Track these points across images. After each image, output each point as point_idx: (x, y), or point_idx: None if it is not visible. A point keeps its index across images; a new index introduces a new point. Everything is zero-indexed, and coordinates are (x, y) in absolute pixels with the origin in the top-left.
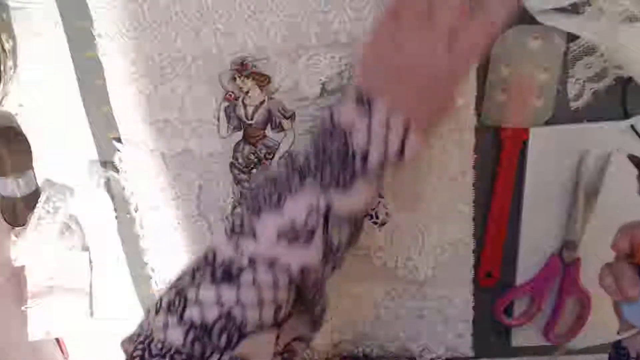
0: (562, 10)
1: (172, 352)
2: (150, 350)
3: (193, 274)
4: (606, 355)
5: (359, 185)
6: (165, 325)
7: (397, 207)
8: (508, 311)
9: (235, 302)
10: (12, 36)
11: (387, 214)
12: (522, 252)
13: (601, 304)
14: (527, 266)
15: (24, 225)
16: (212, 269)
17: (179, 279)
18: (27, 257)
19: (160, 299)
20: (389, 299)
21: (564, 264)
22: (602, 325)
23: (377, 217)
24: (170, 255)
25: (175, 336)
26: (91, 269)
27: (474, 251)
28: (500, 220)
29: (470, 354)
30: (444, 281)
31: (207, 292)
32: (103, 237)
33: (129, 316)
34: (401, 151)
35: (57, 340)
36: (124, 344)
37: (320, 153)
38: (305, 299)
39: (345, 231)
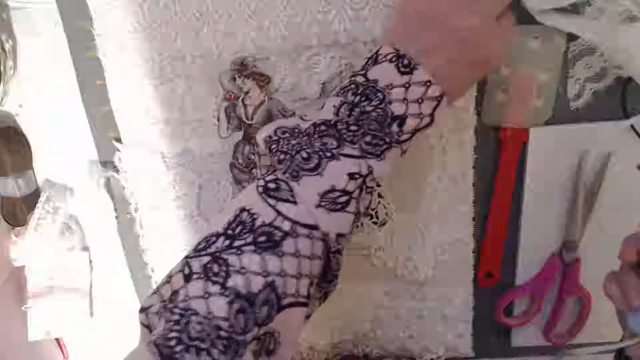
0: (562, 10)
1: (212, 336)
2: (188, 333)
3: (228, 237)
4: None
5: (392, 152)
6: (206, 294)
7: (397, 207)
8: (508, 311)
9: (279, 273)
10: (12, 36)
11: (387, 214)
12: (522, 252)
13: (601, 304)
14: (527, 266)
15: (24, 225)
16: (252, 234)
17: (208, 242)
18: (27, 257)
19: (187, 264)
20: (389, 299)
21: (564, 264)
22: (602, 325)
23: (377, 217)
24: (170, 255)
25: (218, 306)
26: (91, 269)
27: (474, 251)
28: (500, 220)
29: (470, 354)
30: (444, 281)
31: (252, 259)
32: (103, 237)
33: (129, 316)
34: (431, 120)
35: (57, 340)
36: (145, 316)
37: (358, 118)
38: (327, 272)
39: (368, 199)
